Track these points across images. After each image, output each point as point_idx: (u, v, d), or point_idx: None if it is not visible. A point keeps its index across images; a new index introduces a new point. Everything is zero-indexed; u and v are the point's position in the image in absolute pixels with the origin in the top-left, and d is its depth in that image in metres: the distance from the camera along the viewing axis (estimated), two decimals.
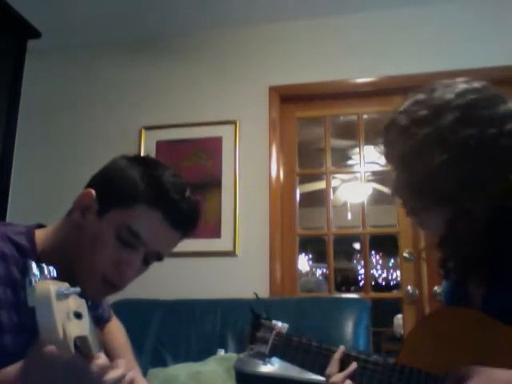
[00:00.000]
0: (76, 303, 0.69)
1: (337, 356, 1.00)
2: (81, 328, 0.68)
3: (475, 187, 0.90)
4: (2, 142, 2.90)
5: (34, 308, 0.61)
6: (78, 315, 0.68)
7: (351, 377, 0.96)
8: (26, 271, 0.65)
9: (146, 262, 1.02)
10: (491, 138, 0.90)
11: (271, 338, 1.09)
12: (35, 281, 0.64)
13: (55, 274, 0.68)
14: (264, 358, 1.10)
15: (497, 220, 0.90)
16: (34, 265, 0.65)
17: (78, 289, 0.70)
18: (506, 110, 0.93)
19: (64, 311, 0.64)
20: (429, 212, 0.98)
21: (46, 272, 0.66)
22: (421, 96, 0.99)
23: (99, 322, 1.22)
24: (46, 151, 3.10)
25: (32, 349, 0.69)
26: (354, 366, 0.97)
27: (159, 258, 1.03)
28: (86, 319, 0.70)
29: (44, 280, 0.65)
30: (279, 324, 1.12)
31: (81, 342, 0.68)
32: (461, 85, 0.97)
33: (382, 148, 1.05)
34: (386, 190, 4.74)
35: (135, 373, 1.09)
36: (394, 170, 1.04)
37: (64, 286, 0.67)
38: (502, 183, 0.89)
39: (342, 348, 1.02)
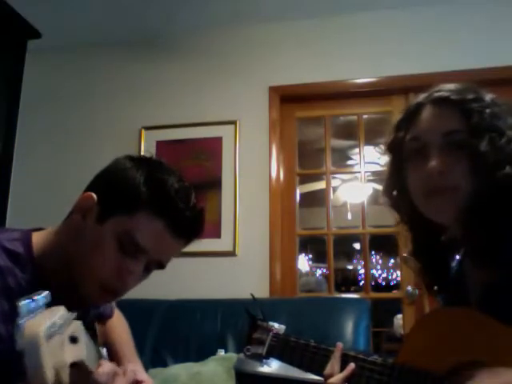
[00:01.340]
0: (72, 327, 0.67)
1: (337, 354, 0.99)
2: (77, 353, 0.67)
3: None
4: (3, 141, 2.90)
5: (23, 351, 0.59)
6: (74, 339, 0.67)
7: (348, 378, 0.96)
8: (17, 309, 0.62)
9: (147, 269, 0.99)
10: None
11: (268, 340, 1.09)
12: (25, 320, 0.61)
13: (50, 299, 0.66)
14: (261, 359, 1.10)
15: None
16: (22, 303, 0.62)
17: (74, 314, 0.69)
18: None
19: (57, 345, 0.62)
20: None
21: (39, 303, 0.64)
22: (464, 88, 0.98)
23: (101, 319, 1.22)
24: (46, 151, 3.11)
25: None
26: (352, 366, 0.97)
27: (160, 266, 1.01)
28: (83, 340, 0.69)
29: (35, 317, 0.62)
30: (276, 325, 1.11)
31: (78, 366, 0.67)
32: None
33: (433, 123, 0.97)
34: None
35: (136, 366, 1.09)
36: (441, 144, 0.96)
37: (58, 317, 0.64)
38: None
39: (340, 346, 1.01)
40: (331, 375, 0.97)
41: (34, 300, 0.63)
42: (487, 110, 0.92)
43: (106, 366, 0.77)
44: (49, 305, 0.66)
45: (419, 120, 0.99)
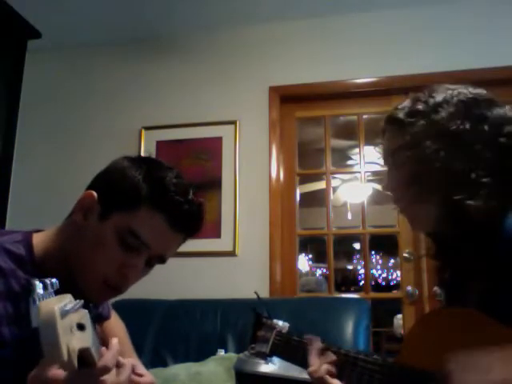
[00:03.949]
0: (79, 314, 0.69)
1: (314, 348, 1.01)
2: (84, 340, 0.68)
3: (465, 179, 0.91)
4: (3, 141, 2.90)
5: (38, 328, 0.60)
6: (81, 326, 0.68)
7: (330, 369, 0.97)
8: (29, 290, 0.64)
9: (149, 264, 1.01)
10: (486, 136, 0.91)
11: (272, 338, 1.10)
12: (39, 300, 0.63)
13: (58, 286, 0.68)
14: (265, 357, 1.10)
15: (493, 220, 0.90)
16: (37, 283, 0.64)
17: (81, 301, 0.70)
18: (503, 112, 0.95)
19: (68, 327, 0.63)
20: (420, 206, 0.97)
21: (49, 287, 0.66)
22: (420, 95, 1.00)
23: (99, 320, 1.22)
24: (46, 151, 3.10)
25: (36, 370, 0.69)
26: (331, 357, 0.98)
27: (162, 260, 1.02)
28: (89, 329, 0.70)
29: (48, 298, 0.64)
30: (280, 323, 1.12)
31: (84, 353, 0.68)
32: (460, 88, 0.99)
33: (381, 145, 1.05)
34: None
35: (134, 361, 1.10)
36: (389, 164, 1.04)
37: (68, 301, 0.66)
38: (505, 185, 0.90)
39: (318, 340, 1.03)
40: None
41: (44, 283, 0.66)
42: (419, 123, 0.98)
43: (110, 352, 0.78)
44: (56, 292, 0.68)
45: None
